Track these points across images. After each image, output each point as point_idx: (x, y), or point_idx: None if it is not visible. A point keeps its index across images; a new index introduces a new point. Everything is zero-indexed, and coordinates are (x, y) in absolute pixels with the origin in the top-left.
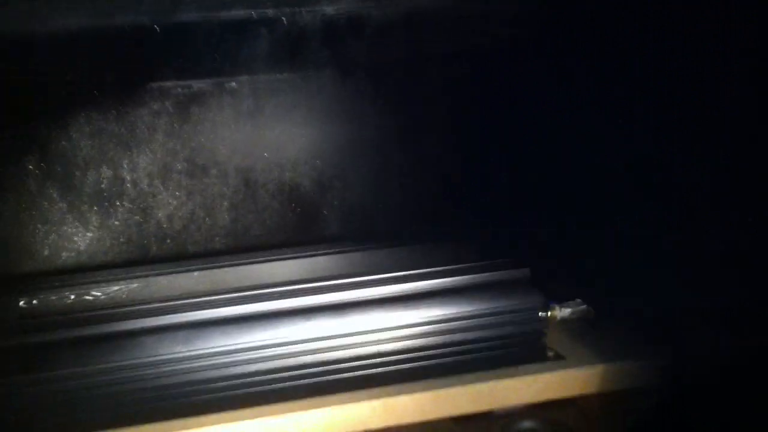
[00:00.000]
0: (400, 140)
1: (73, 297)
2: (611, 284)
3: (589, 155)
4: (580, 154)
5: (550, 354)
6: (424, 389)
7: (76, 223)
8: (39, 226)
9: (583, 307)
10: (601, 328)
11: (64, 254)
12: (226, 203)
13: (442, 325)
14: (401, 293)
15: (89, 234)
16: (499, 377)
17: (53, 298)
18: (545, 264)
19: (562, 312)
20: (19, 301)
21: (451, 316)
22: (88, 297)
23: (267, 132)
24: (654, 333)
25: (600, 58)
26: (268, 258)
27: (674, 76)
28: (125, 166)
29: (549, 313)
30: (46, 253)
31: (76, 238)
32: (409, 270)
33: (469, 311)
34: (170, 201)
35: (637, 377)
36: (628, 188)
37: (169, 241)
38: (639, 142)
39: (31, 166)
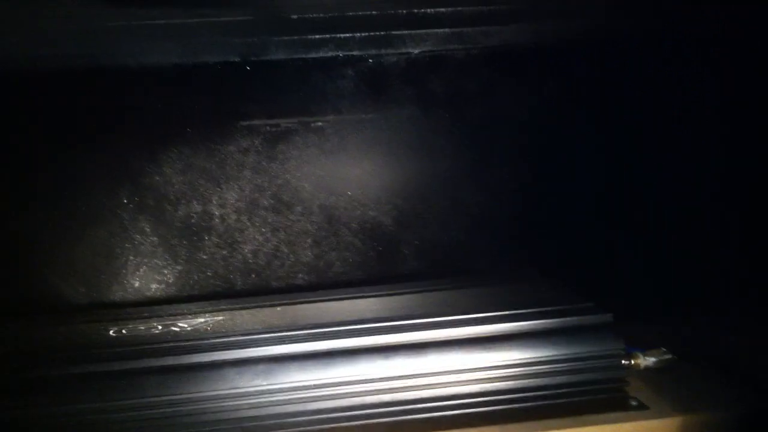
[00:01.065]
0: (481, 178)
1: (160, 328)
2: (696, 332)
3: (675, 200)
4: (666, 199)
5: (633, 403)
6: None
7: (166, 256)
8: (131, 257)
9: (668, 356)
10: (684, 376)
11: (154, 286)
12: (309, 240)
13: (522, 369)
14: (480, 334)
15: (178, 267)
16: (580, 424)
17: (141, 328)
18: (630, 309)
19: (645, 360)
20: (110, 330)
21: (531, 360)
22: (174, 328)
23: (350, 170)
24: (739, 382)
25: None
26: (349, 295)
27: None
28: (214, 201)
29: (632, 362)
30: (136, 284)
31: (165, 271)
32: (489, 311)
33: (549, 356)
34: (256, 236)
35: (721, 428)
36: (723, 238)
37: (253, 275)
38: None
39: (125, 200)
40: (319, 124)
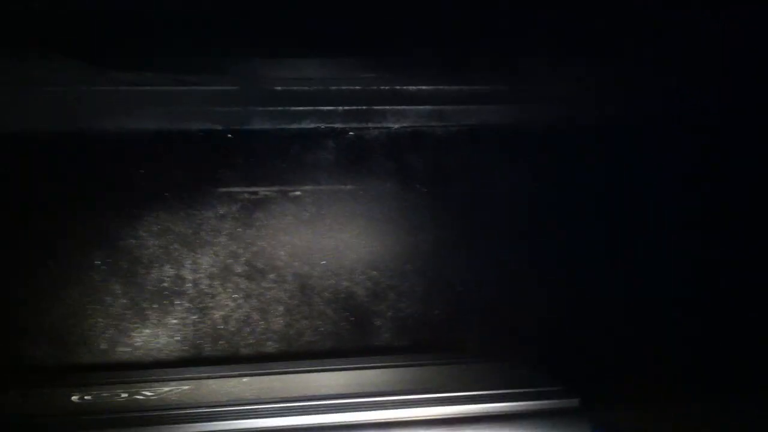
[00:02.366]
0: (461, 256)
1: (125, 396)
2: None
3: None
4: (638, 287)
5: None
6: None
7: (135, 319)
8: (99, 319)
9: None
10: None
11: (120, 349)
12: (281, 308)
13: None
14: (446, 415)
15: (146, 330)
16: None
17: (105, 395)
18: (599, 391)
19: None
20: (72, 396)
21: None
22: (139, 396)
23: (326, 240)
24: None
25: None
26: (318, 368)
27: None
28: (188, 266)
29: None
30: (103, 346)
31: (133, 334)
32: (456, 391)
33: None
34: (227, 302)
35: None
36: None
37: (222, 342)
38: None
39: (97, 261)
40: (298, 193)
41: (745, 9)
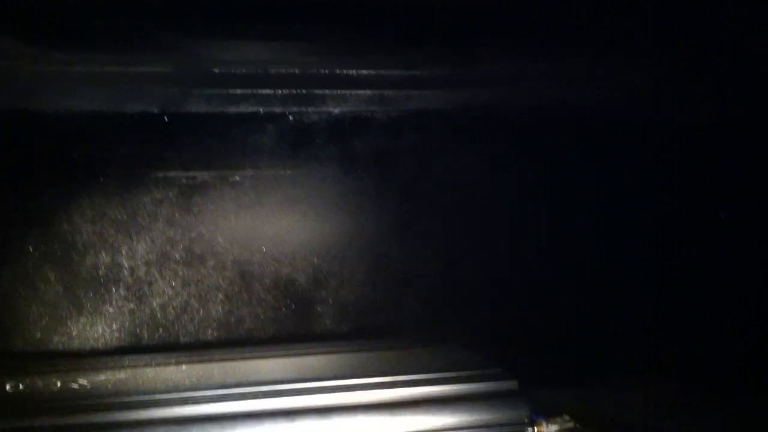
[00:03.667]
0: (403, 239)
1: (59, 384)
2: (600, 399)
3: (586, 272)
4: (577, 269)
5: None
6: None
7: (71, 307)
8: (33, 307)
9: (570, 424)
10: None
11: (56, 338)
12: (221, 295)
13: None
14: (386, 400)
15: (82, 319)
16: None
17: (40, 383)
18: (537, 373)
19: (548, 428)
20: (6, 385)
21: (437, 426)
22: (74, 385)
23: (266, 226)
24: None
25: None
26: (258, 354)
27: None
28: (124, 252)
29: (536, 429)
30: (38, 335)
31: (69, 322)
32: (397, 375)
33: (454, 422)
34: (166, 290)
35: None
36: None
37: (161, 330)
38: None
39: (30, 247)
40: (237, 178)
41: None
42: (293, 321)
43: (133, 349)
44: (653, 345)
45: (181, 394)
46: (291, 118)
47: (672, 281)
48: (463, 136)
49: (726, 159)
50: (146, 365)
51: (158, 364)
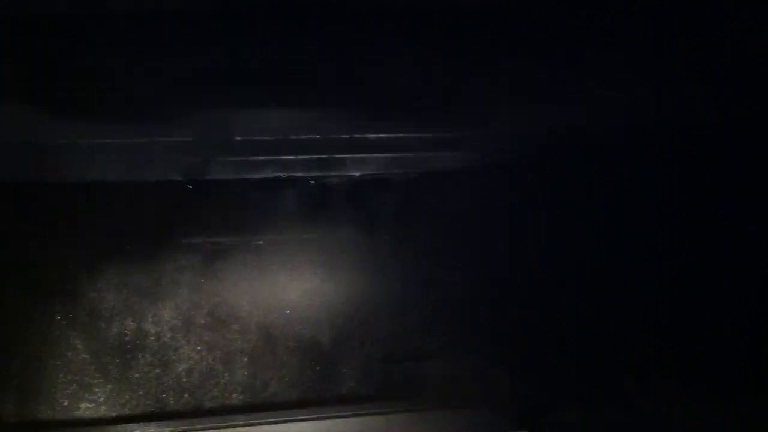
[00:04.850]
0: (427, 301)
1: None
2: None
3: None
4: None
5: None
6: None
7: (97, 374)
8: (59, 374)
9: None
10: None
11: (83, 405)
12: (245, 358)
13: None
14: None
15: (109, 385)
16: None
17: None
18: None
19: None
20: None
21: None
22: None
23: (289, 289)
24: None
25: None
26: (283, 418)
27: None
28: (149, 318)
29: None
30: (65, 402)
31: (96, 389)
32: None
33: None
34: (191, 354)
35: None
36: None
37: (186, 395)
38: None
39: (58, 316)
40: (259, 242)
41: None
42: (318, 383)
43: (159, 415)
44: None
45: None
46: (312, 182)
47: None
48: (486, 193)
49: (727, 158)
50: (172, 431)
51: (184, 431)
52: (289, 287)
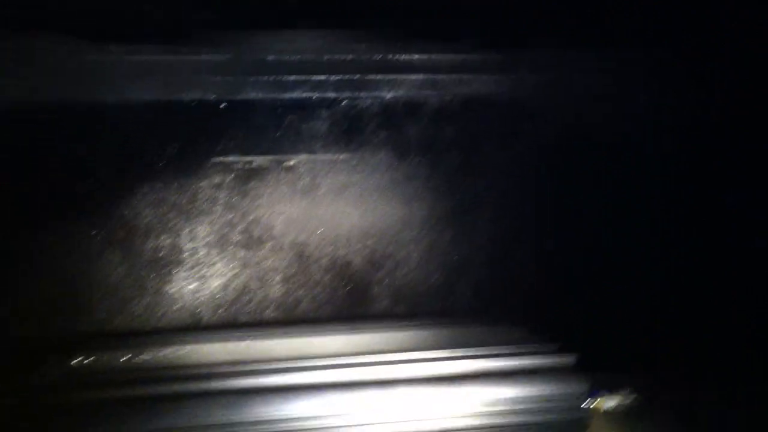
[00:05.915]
0: (450, 221)
1: (123, 358)
2: (661, 373)
3: (649, 254)
4: (638, 251)
5: None
6: None
7: (134, 288)
8: (98, 288)
9: (631, 396)
10: (646, 420)
11: (120, 317)
12: (278, 276)
13: (484, 407)
14: (446, 374)
15: (145, 299)
16: None
17: (105, 359)
18: (595, 349)
19: (608, 403)
20: (73, 360)
21: (494, 399)
22: (137, 359)
23: (322, 209)
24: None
25: None
26: (317, 332)
27: None
28: (184, 235)
29: (594, 402)
30: (103, 315)
31: (132, 303)
32: (454, 350)
33: (512, 395)
34: (225, 271)
35: None
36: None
37: (221, 310)
38: None
39: (95, 231)
40: (292, 163)
41: None
42: (350, 302)
43: (194, 327)
44: (715, 320)
45: (242, 367)
46: (344, 103)
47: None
48: (520, 119)
49: None
50: (207, 341)
51: (219, 341)
52: (321, 207)
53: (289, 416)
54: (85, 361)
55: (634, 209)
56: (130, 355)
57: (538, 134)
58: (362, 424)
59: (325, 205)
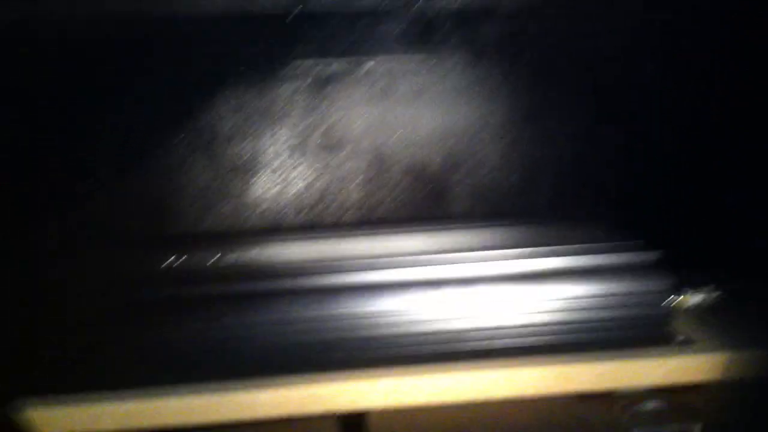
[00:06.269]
0: (530, 120)
1: (212, 259)
2: (747, 269)
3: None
4: (721, 147)
5: (679, 338)
6: (545, 364)
7: (218, 192)
8: (184, 193)
9: (716, 293)
10: (731, 314)
11: (207, 221)
12: (358, 179)
13: (569, 303)
14: (527, 271)
15: (230, 202)
16: (623, 358)
17: (194, 259)
18: (680, 246)
19: (693, 297)
20: (163, 261)
21: (578, 295)
22: (227, 258)
23: (400, 111)
24: None
25: None
26: (399, 231)
27: None
28: (266, 139)
29: (679, 298)
30: (191, 218)
31: (218, 206)
32: (536, 247)
33: (596, 291)
34: (307, 174)
35: (766, 365)
36: None
37: (303, 213)
38: None
39: (179, 138)
40: (369, 65)
41: None
42: (430, 203)
43: (279, 229)
44: None
45: (327, 265)
46: (421, 3)
47: None
48: (601, 16)
49: None
50: (294, 240)
51: (304, 240)
52: (399, 109)
53: (375, 312)
54: (177, 262)
55: (722, 99)
56: (218, 256)
57: (621, 32)
58: (444, 319)
59: (403, 107)
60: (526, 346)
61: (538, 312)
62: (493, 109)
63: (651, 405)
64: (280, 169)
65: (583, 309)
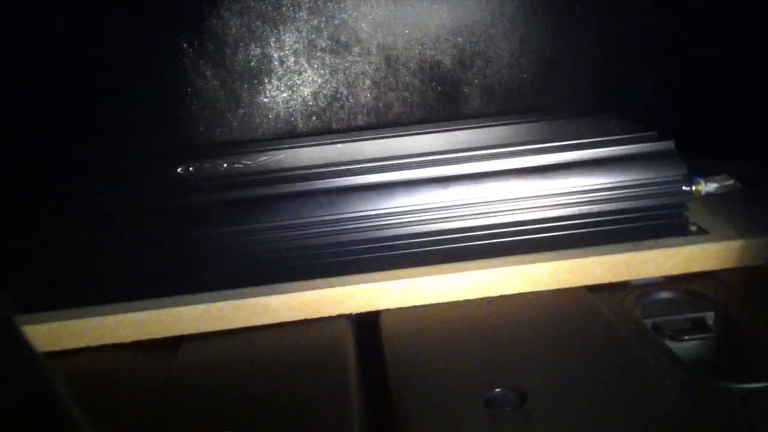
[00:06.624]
0: (542, 15)
1: (225, 165)
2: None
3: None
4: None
5: (693, 228)
6: (559, 258)
7: (228, 100)
8: (194, 102)
9: (730, 182)
10: (745, 202)
11: (218, 129)
12: (368, 81)
13: (582, 195)
14: (540, 164)
15: (240, 110)
16: (637, 249)
17: (207, 166)
18: (694, 137)
19: (707, 186)
20: (177, 168)
21: (591, 186)
22: (238, 165)
23: (408, 9)
24: None
25: None
26: (409, 132)
27: None
28: (272, 44)
29: (693, 187)
30: (201, 128)
31: (228, 114)
32: (551, 142)
33: (609, 182)
34: (315, 79)
35: None
36: None
37: (314, 118)
38: None
39: (185, 44)
40: None
41: None
42: (440, 103)
43: (289, 135)
44: None
45: (339, 167)
46: None
47: None
48: None
49: None
50: (304, 146)
51: (315, 144)
52: (407, 7)
53: (385, 211)
54: (189, 169)
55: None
56: (230, 162)
57: None
58: (454, 218)
59: (411, 4)
60: (538, 241)
61: (552, 206)
62: (503, 4)
63: (666, 295)
64: (288, 74)
65: (597, 201)
